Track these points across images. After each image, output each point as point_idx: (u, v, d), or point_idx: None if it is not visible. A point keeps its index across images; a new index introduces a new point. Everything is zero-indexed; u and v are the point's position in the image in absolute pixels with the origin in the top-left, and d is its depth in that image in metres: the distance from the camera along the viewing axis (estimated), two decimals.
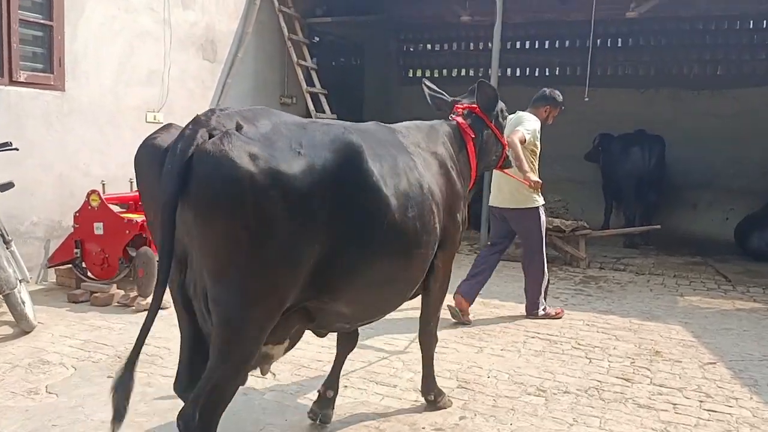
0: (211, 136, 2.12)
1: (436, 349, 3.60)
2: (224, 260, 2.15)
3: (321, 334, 3.07)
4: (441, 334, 4.03)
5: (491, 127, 3.74)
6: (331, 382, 3.34)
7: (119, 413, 2.17)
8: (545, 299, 5.50)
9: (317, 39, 10.49)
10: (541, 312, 5.40)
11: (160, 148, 2.24)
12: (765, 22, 10.52)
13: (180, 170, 2.07)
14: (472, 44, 12.57)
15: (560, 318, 5.42)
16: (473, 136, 3.59)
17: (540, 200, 5.31)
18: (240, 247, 2.13)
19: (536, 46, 12.12)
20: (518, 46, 12.18)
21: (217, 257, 2.16)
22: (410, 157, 2.89)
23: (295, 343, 2.76)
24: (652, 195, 9.35)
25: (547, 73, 11.91)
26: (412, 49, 13.24)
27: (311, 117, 7.21)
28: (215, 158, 2.07)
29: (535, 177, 5.02)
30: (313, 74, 9.17)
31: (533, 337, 4.88)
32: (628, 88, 11.25)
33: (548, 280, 5.58)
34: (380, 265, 2.62)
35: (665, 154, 9.33)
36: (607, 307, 5.85)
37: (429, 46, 13.04)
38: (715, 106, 10.64)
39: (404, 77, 13.20)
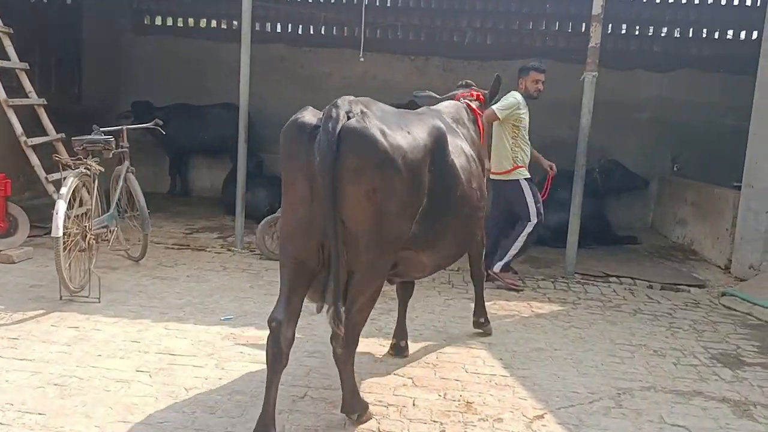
0: (348, 118, 2.75)
1: None
2: (368, 210, 2.77)
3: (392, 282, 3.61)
4: None
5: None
6: (400, 332, 4.06)
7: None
8: (509, 267, 5.85)
9: None
10: (496, 268, 5.75)
11: (308, 125, 2.81)
12: None
13: (334, 142, 2.66)
14: None
15: (517, 291, 5.70)
16: (481, 114, 4.28)
17: (522, 173, 5.76)
18: (380, 199, 2.77)
19: None
20: None
21: (364, 208, 2.76)
22: (459, 137, 3.60)
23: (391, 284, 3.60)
24: None
25: (311, 31, 10.37)
26: None
27: None
28: (361, 133, 2.73)
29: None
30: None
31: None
32: (397, 54, 10.23)
33: (522, 253, 5.86)
34: (455, 224, 3.36)
35: None
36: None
37: None
38: (484, 77, 10.05)
39: (140, 25, 10.68)
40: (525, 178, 5.78)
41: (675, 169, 9.61)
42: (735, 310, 5.56)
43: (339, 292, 2.80)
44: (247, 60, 6.48)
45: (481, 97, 4.43)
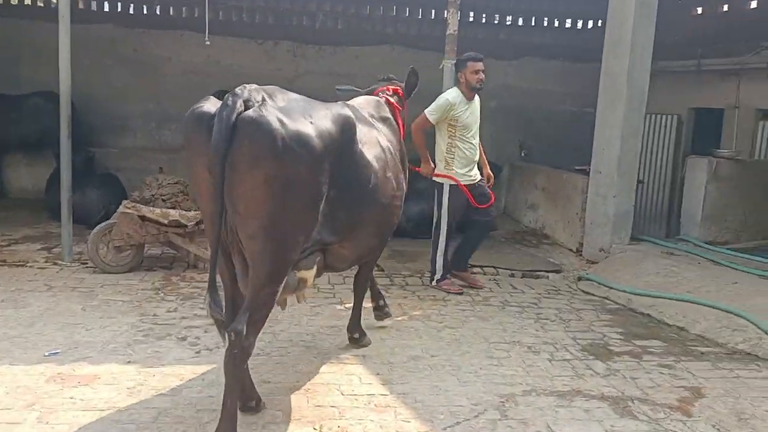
0: (246, 107, 2.73)
1: None
2: (263, 200, 2.74)
3: (336, 270, 3.70)
4: None
5: (404, 107, 4.41)
6: (376, 294, 4.43)
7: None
8: (443, 272, 5.58)
9: None
10: (434, 282, 5.61)
11: (206, 114, 2.79)
12: None
13: (228, 131, 2.65)
14: None
15: (460, 294, 5.45)
16: (400, 109, 4.27)
17: (452, 179, 5.44)
18: (276, 189, 2.74)
19: None
20: None
21: (258, 198, 2.74)
22: (374, 128, 3.64)
23: (320, 275, 3.39)
24: None
25: (145, 11, 9.35)
26: None
27: None
28: (256, 122, 2.70)
29: (427, 167, 5.50)
30: None
31: None
32: (243, 38, 9.53)
33: (444, 257, 5.61)
34: (371, 214, 3.40)
35: None
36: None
37: None
38: (338, 64, 9.72)
39: None
40: (452, 185, 5.48)
41: (522, 155, 9.90)
42: (593, 294, 5.71)
43: (213, 280, 2.81)
44: (66, 42, 5.59)
45: (399, 91, 4.38)
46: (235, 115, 2.68)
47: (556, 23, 10.34)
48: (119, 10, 9.32)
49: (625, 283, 5.77)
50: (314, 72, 9.50)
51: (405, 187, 3.83)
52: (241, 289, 3.01)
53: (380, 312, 4.45)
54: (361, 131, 3.30)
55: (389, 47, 9.76)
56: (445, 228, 5.53)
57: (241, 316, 2.82)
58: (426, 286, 5.68)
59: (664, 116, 8.81)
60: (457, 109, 5.34)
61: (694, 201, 7.18)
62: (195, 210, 5.52)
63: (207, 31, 6.03)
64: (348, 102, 3.70)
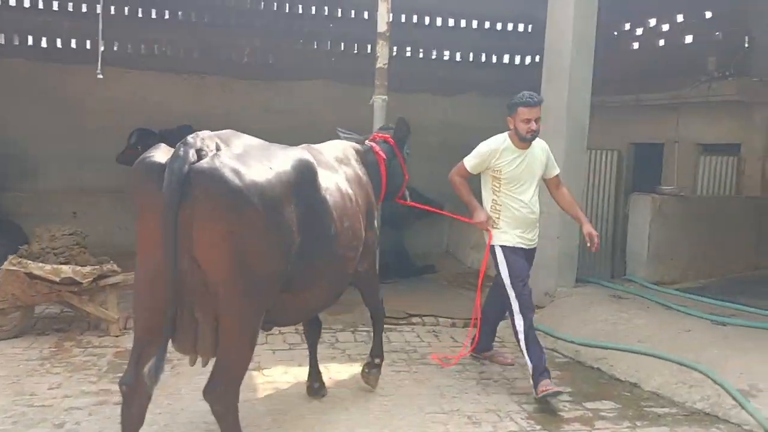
0: (200, 157, 2.61)
1: None
2: (224, 255, 2.63)
3: (267, 328, 3.49)
4: None
5: (399, 156, 4.28)
6: (314, 374, 4.05)
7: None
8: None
9: None
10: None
11: (156, 165, 2.64)
12: (301, 6, 9.43)
13: (179, 184, 2.52)
14: None
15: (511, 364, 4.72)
16: (384, 157, 4.12)
17: (499, 238, 4.46)
18: (236, 243, 2.63)
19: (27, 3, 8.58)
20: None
21: (219, 254, 2.62)
22: (338, 173, 3.49)
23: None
24: None
25: (44, 44, 8.61)
26: None
27: None
28: (210, 174, 2.57)
29: (481, 215, 4.50)
30: None
31: None
32: (169, 73, 8.94)
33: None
34: (328, 264, 3.23)
35: None
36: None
37: None
38: (269, 100, 9.23)
39: None
40: (502, 245, 4.44)
41: None
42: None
43: (165, 345, 2.65)
44: None
45: (389, 139, 4.26)
46: (186, 167, 2.54)
47: (494, 59, 10.16)
48: (31, 44, 8.61)
49: (573, 331, 5.36)
50: (249, 107, 8.96)
51: (363, 237, 3.58)
52: (178, 348, 2.87)
53: (314, 392, 4.05)
54: (323, 176, 3.19)
55: (323, 82, 9.34)
56: (516, 299, 4.30)
57: (216, 378, 2.75)
58: (359, 343, 5.14)
59: (604, 152, 8.62)
60: (502, 158, 4.41)
61: (639, 239, 6.91)
62: (93, 265, 4.85)
63: (99, 63, 5.41)
64: (312, 145, 3.60)
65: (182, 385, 4.00)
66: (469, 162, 4.52)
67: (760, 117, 8.13)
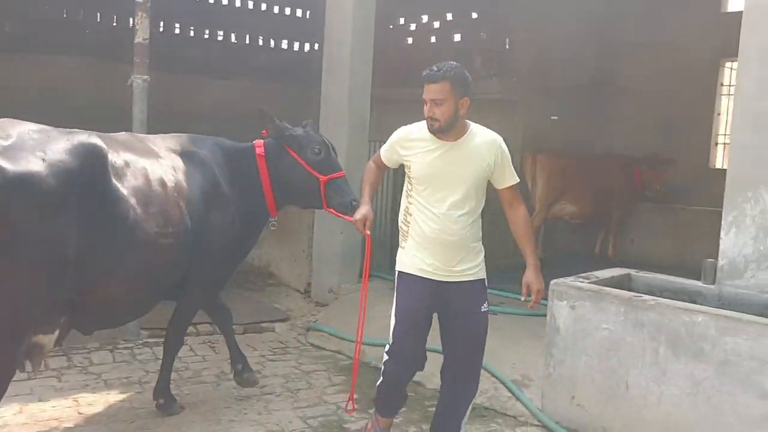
0: None
1: None
2: None
3: (88, 332, 3.20)
4: None
5: (294, 156, 3.79)
6: (236, 357, 3.94)
7: None
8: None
9: None
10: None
11: None
12: None
13: None
14: None
15: None
16: (263, 155, 3.79)
17: (399, 260, 3.20)
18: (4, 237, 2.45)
19: None
20: None
21: None
22: (158, 160, 3.28)
23: (66, 335, 2.94)
24: None
25: None
26: None
27: None
28: None
29: (360, 211, 3.19)
30: None
31: None
32: None
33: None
34: (130, 256, 2.97)
35: None
36: None
37: None
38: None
39: None
40: (399, 271, 3.19)
41: None
42: (324, 349, 5.05)
43: None
44: None
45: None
46: None
47: (272, 43, 9.72)
48: None
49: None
50: None
51: (187, 225, 3.28)
52: None
53: (241, 379, 3.91)
54: (118, 160, 2.99)
55: (78, 58, 8.09)
56: (388, 345, 3.20)
57: None
58: (119, 364, 4.43)
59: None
60: (413, 148, 3.16)
61: None
62: None
63: None
64: (147, 135, 3.47)
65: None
66: (383, 149, 3.37)
67: (519, 115, 8.80)
